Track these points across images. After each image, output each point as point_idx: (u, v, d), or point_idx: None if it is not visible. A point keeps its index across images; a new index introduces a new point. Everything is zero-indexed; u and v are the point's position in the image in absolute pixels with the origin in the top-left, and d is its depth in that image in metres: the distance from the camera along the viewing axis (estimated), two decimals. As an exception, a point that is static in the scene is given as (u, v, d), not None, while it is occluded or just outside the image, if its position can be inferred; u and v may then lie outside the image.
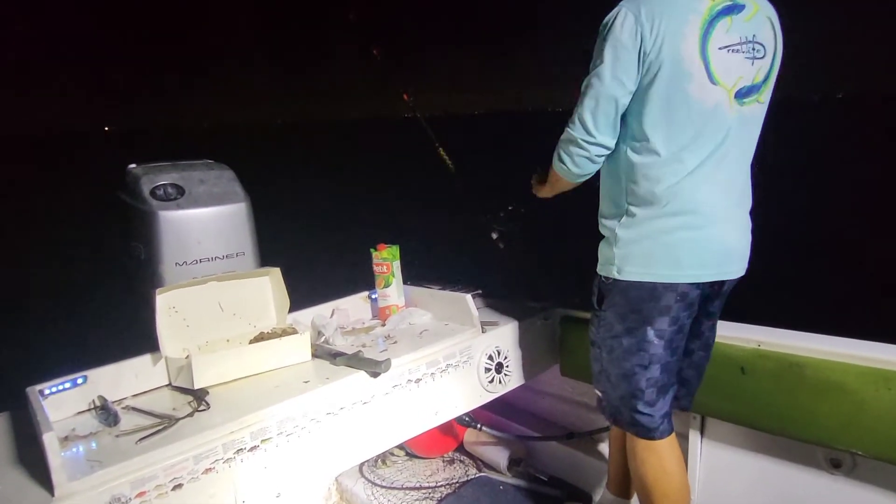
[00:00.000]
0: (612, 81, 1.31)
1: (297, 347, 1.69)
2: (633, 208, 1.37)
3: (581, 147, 1.38)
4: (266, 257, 2.11)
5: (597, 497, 1.97)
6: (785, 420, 1.48)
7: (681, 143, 1.31)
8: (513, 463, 2.21)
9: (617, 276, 1.39)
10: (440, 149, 2.09)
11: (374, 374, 1.57)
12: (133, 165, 1.99)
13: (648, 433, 1.43)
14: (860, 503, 1.45)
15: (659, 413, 1.42)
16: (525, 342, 1.97)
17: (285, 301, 1.84)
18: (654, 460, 1.43)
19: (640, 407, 1.42)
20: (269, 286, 1.87)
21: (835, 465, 1.48)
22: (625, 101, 1.33)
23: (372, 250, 2.09)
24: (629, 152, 1.36)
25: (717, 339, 1.58)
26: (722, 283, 1.42)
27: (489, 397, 1.88)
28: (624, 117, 1.36)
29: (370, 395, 1.57)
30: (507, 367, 1.91)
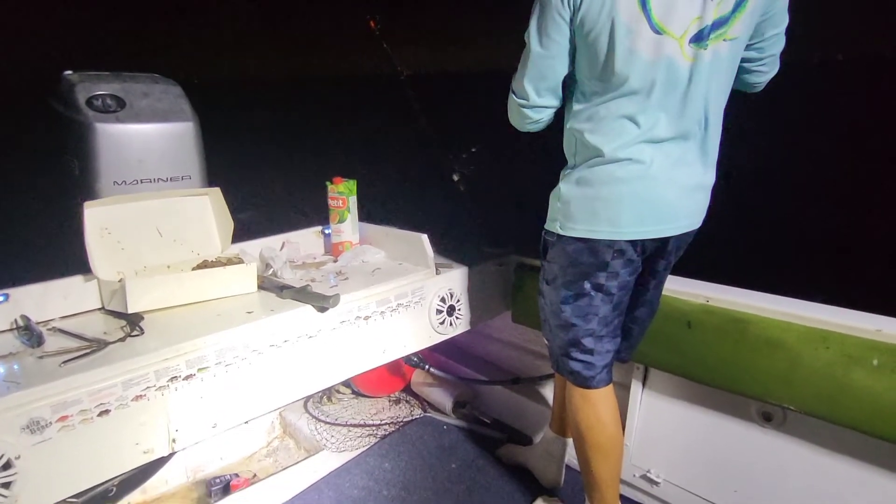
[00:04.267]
0: (539, 43, 1.28)
1: (242, 277, 1.62)
2: (580, 165, 1.33)
3: (521, 108, 1.38)
4: (217, 185, 2.00)
5: (537, 439, 2.01)
6: (725, 374, 1.51)
7: (628, 96, 1.23)
8: (458, 405, 2.23)
9: (559, 232, 1.37)
10: (402, 74, 2.00)
11: (322, 309, 1.52)
12: (69, 72, 1.82)
13: (585, 382, 1.44)
14: (787, 455, 1.51)
15: (597, 363, 1.43)
16: (479, 287, 1.95)
17: (229, 224, 1.75)
18: (589, 409, 1.45)
19: (578, 356, 1.43)
20: (209, 209, 1.77)
21: (766, 419, 1.54)
22: (557, 62, 1.28)
23: (328, 183, 2.00)
24: (578, 110, 1.32)
25: (666, 294, 1.60)
26: (666, 241, 1.36)
27: (439, 339, 1.86)
28: (573, 75, 1.32)
29: (316, 329, 1.52)
30: (459, 310, 1.90)
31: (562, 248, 1.38)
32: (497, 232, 2.24)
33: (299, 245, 2.06)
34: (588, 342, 1.42)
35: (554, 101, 1.37)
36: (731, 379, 1.51)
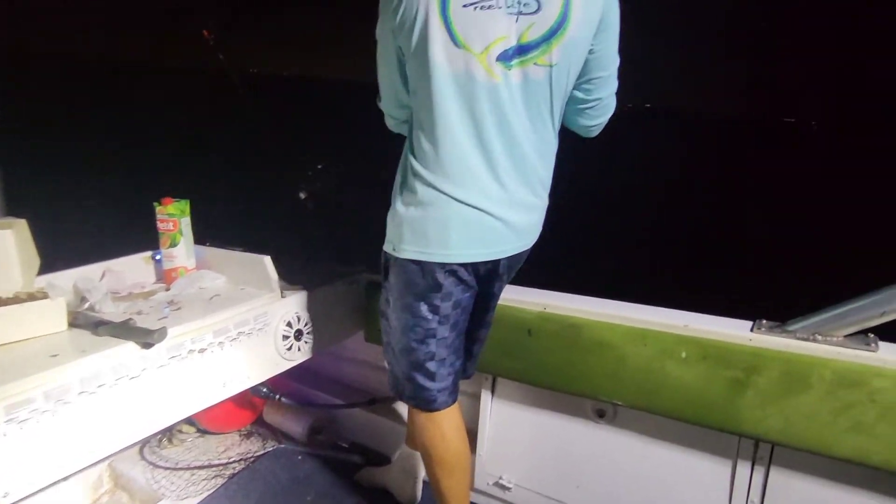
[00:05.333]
0: (380, 42, 1.30)
1: (47, 315, 1.41)
2: (410, 180, 1.32)
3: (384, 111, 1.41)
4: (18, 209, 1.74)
5: (395, 456, 1.99)
6: (562, 376, 1.61)
7: (442, 114, 1.22)
8: (313, 432, 2.14)
9: (394, 254, 1.36)
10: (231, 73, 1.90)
11: (146, 345, 1.37)
12: None
13: (427, 405, 1.45)
14: (619, 447, 1.64)
15: (438, 387, 1.43)
16: (329, 307, 1.90)
17: (34, 260, 1.53)
18: (434, 428, 1.46)
19: (420, 380, 1.42)
20: (11, 242, 1.53)
21: (600, 415, 1.66)
22: (391, 70, 1.31)
23: (156, 205, 1.83)
24: (412, 121, 1.33)
25: (508, 304, 1.67)
26: (497, 263, 1.35)
27: (287, 365, 1.77)
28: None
29: (140, 368, 1.37)
30: (308, 333, 1.82)
31: (398, 269, 1.37)
32: (348, 250, 2.21)
33: (124, 274, 1.85)
34: (431, 366, 1.41)
35: (393, 108, 1.40)
36: (568, 380, 1.61)
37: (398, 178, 1.37)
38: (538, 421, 1.77)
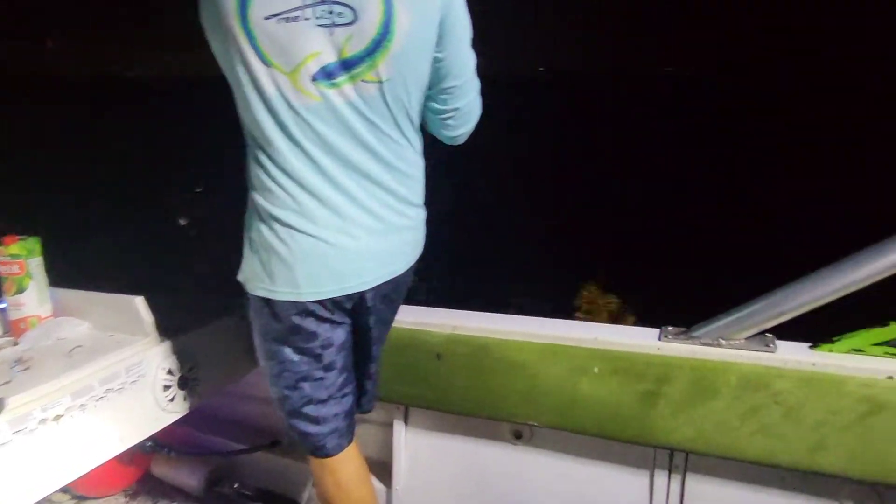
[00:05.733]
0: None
1: None
2: (251, 212, 1.19)
3: None
4: None
5: (304, 499, 1.84)
6: (476, 401, 1.53)
7: (267, 139, 1.09)
8: (211, 483, 1.93)
9: (246, 288, 1.22)
10: None
11: (-20, 422, 1.14)
12: None
13: (316, 451, 1.32)
14: (538, 468, 1.59)
15: (324, 431, 1.30)
16: (219, 346, 1.70)
17: None
18: (328, 477, 1.34)
19: (303, 426, 1.29)
20: None
21: (517, 437, 1.60)
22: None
23: (-5, 245, 1.55)
24: (246, 145, 1.19)
25: (415, 327, 1.57)
26: (362, 296, 1.21)
27: (171, 419, 1.56)
28: None
29: None
30: (196, 378, 1.62)
31: (253, 306, 1.23)
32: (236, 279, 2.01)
33: (-41, 329, 1.56)
34: (310, 410, 1.28)
35: None
36: (482, 405, 1.53)
37: (249, 202, 1.22)
38: (456, 448, 1.68)
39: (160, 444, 1.84)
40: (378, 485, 1.78)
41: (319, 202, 1.11)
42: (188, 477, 1.93)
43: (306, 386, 1.25)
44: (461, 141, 1.32)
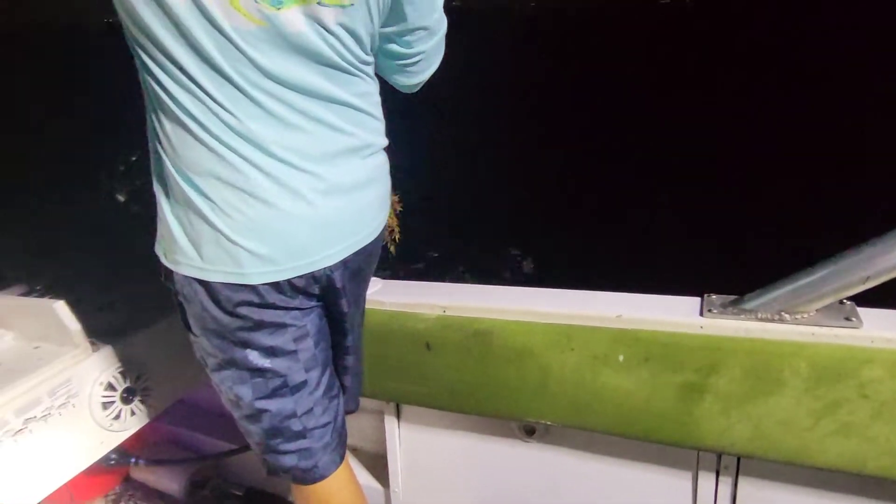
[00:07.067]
0: None
1: None
2: (168, 180, 0.89)
3: None
4: None
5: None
6: (475, 398, 1.26)
7: (177, 81, 0.81)
8: (196, 485, 1.75)
9: (165, 263, 0.94)
10: None
11: None
12: None
13: (305, 477, 1.08)
14: (553, 465, 1.34)
15: (315, 446, 1.05)
16: (174, 346, 1.45)
17: None
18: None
19: (287, 446, 1.04)
20: None
21: (528, 433, 1.34)
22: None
23: None
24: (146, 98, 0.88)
25: (399, 309, 1.30)
26: (327, 275, 0.97)
27: (119, 438, 1.34)
28: None
29: None
30: (146, 388, 1.38)
31: (181, 290, 0.95)
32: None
33: None
34: (294, 424, 1.02)
35: None
36: (483, 403, 1.26)
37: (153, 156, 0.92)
38: (457, 445, 1.43)
39: (127, 455, 1.63)
40: (374, 483, 1.56)
41: (270, 158, 0.85)
42: (170, 479, 1.74)
43: (286, 392, 0.99)
44: (416, 89, 1.10)
